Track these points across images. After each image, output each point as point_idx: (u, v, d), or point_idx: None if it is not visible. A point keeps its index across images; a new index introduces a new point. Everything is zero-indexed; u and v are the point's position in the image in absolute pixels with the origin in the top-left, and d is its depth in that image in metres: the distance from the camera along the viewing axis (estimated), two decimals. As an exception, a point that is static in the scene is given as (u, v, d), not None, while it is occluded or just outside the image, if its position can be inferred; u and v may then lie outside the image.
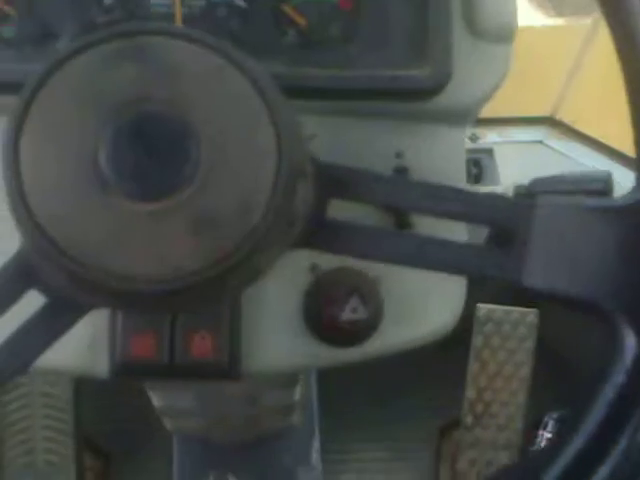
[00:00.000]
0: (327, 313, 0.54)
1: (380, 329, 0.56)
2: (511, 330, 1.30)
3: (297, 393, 0.98)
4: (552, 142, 1.27)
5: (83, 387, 1.32)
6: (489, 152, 1.23)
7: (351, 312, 0.54)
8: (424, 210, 0.45)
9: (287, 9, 0.52)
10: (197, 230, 0.38)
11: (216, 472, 1.32)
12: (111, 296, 0.41)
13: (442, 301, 0.59)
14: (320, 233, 0.44)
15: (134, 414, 1.51)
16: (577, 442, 0.41)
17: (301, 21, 0.52)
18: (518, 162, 1.24)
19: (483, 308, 1.29)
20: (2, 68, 0.48)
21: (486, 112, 0.60)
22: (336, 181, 0.44)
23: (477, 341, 1.32)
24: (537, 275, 0.42)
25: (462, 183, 0.58)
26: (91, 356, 0.55)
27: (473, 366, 1.32)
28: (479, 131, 1.24)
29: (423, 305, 0.58)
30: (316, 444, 1.38)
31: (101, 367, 0.55)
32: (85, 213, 0.38)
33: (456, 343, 1.42)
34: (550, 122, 1.30)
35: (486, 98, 0.56)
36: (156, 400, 0.90)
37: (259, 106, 0.39)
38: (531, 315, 1.29)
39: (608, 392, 0.41)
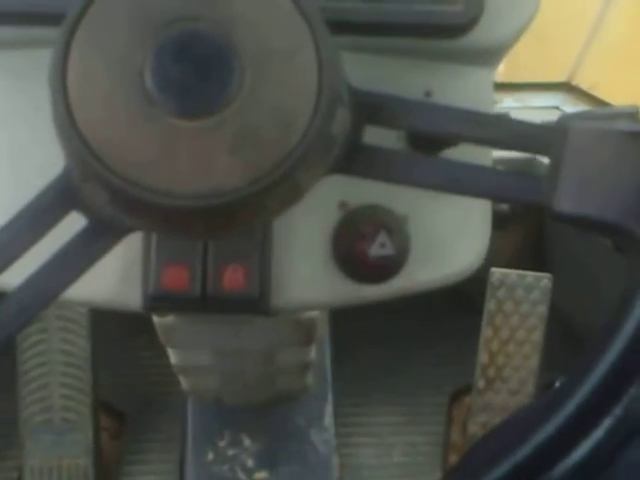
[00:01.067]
0: (356, 248, 0.55)
1: (406, 267, 0.57)
2: (524, 294, 1.31)
3: (312, 352, 0.99)
4: (569, 108, 1.28)
5: (100, 346, 1.33)
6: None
7: (379, 247, 0.55)
8: (461, 136, 0.46)
9: None
10: (238, 148, 0.39)
11: (230, 432, 1.33)
12: (150, 215, 0.42)
13: (468, 241, 0.60)
14: (357, 158, 0.45)
15: (149, 376, 1.53)
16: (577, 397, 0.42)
17: None
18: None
19: (496, 272, 1.30)
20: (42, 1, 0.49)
21: (503, 76, 0.61)
22: (373, 108, 0.45)
23: (490, 305, 1.32)
24: (568, 200, 0.43)
25: None
26: (123, 288, 0.56)
27: (486, 331, 1.33)
28: (496, 96, 1.24)
29: (449, 244, 0.59)
30: (329, 408, 1.39)
31: (134, 299, 0.56)
32: (130, 130, 0.39)
33: (469, 307, 1.44)
34: (567, 87, 1.30)
35: (517, 36, 0.57)
36: (174, 357, 0.91)
37: (303, 31, 0.40)
38: (545, 279, 1.30)
39: (628, 327, 0.42)
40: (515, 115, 1.21)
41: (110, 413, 1.44)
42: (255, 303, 0.55)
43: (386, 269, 0.56)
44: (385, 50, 0.56)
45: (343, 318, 1.19)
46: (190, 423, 1.33)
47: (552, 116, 1.28)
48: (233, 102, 0.39)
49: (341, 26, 0.42)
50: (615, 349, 0.42)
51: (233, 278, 0.54)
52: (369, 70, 0.53)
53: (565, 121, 0.44)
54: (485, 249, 0.61)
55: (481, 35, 0.53)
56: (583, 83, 1.29)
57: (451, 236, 0.59)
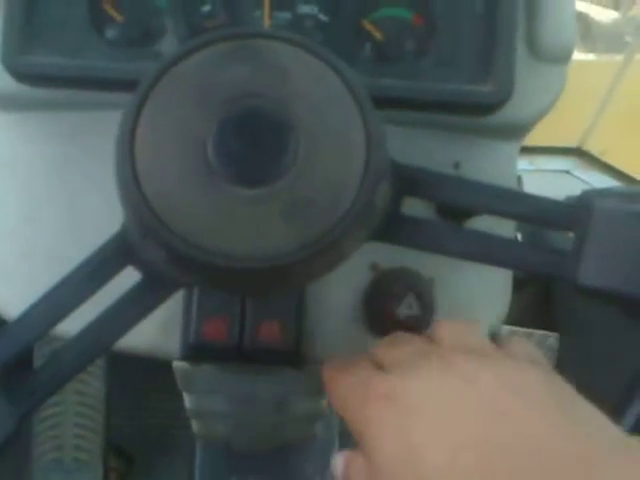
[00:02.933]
0: (385, 308, 0.58)
1: (431, 325, 0.60)
2: (531, 352, 1.33)
3: (324, 402, 1.01)
4: (579, 172, 1.31)
5: (113, 388, 1.35)
6: (518, 179, 1.27)
7: (407, 308, 0.58)
8: (490, 210, 0.49)
9: (366, 24, 0.56)
10: (291, 216, 0.42)
11: (237, 477, 1.34)
12: (206, 273, 0.44)
13: (490, 303, 0.63)
14: (395, 227, 0.48)
15: (158, 419, 1.54)
16: None
17: (378, 35, 0.56)
18: (545, 191, 1.27)
19: (505, 329, 1.32)
20: (109, 67, 0.53)
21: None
22: (412, 181, 0.48)
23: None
24: (592, 274, 0.46)
25: None
26: (163, 337, 0.59)
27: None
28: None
29: (472, 306, 0.62)
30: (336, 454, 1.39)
31: (173, 348, 0.59)
32: (190, 194, 0.42)
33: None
34: (578, 153, 1.33)
35: (541, 115, 0.60)
36: (189, 402, 0.92)
37: (353, 107, 0.43)
38: (551, 338, 1.32)
39: None
40: (527, 178, 1.25)
41: (119, 454, 1.45)
42: (289, 356, 0.58)
43: (412, 328, 0.59)
44: (418, 123, 0.60)
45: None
46: (198, 467, 1.34)
47: (564, 179, 1.31)
48: (287, 173, 0.42)
49: (380, 101, 0.45)
50: None
51: (269, 332, 0.57)
52: (402, 141, 0.57)
53: (588, 198, 0.47)
54: (505, 311, 0.64)
55: (509, 113, 0.56)
56: (594, 149, 1.33)
57: (474, 299, 0.62)
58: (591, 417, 0.41)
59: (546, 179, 1.32)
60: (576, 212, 0.47)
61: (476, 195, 0.49)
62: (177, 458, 1.48)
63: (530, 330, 1.33)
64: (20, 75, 0.53)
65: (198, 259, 0.42)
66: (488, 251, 0.48)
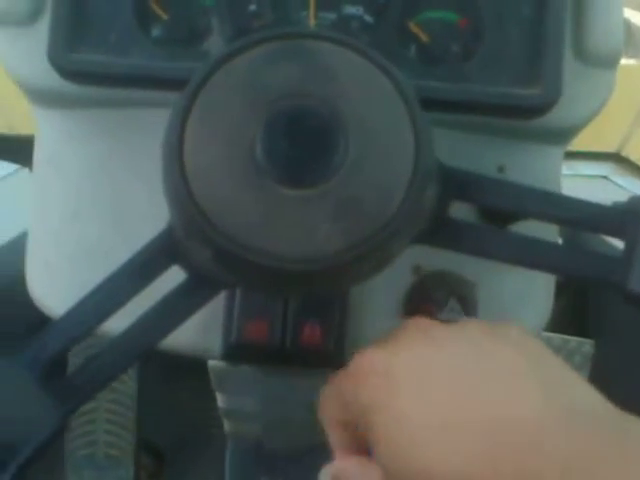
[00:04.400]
0: (427, 311, 0.58)
1: None
2: (567, 358, 1.32)
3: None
4: (617, 178, 1.29)
5: (145, 386, 1.35)
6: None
7: (449, 312, 0.58)
8: (539, 215, 0.49)
9: (412, 26, 0.56)
10: (339, 217, 0.42)
11: (267, 478, 1.34)
12: (252, 274, 0.44)
13: (532, 308, 0.62)
14: (441, 231, 0.47)
15: (189, 418, 1.54)
16: None
17: (424, 38, 0.56)
18: (583, 196, 1.26)
19: (541, 335, 1.31)
20: (155, 65, 0.53)
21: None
22: (459, 183, 0.47)
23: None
24: None
25: None
26: (204, 337, 0.59)
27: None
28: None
29: (514, 310, 0.62)
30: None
31: (214, 348, 0.59)
32: (238, 194, 0.42)
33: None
34: (616, 158, 1.32)
35: (588, 120, 0.60)
36: (221, 401, 0.92)
37: (402, 108, 0.43)
38: (587, 345, 1.31)
39: None
40: (565, 183, 1.25)
41: (150, 452, 1.46)
42: (330, 359, 0.58)
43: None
44: (462, 126, 0.59)
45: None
46: (228, 466, 1.34)
47: (601, 184, 1.30)
48: (336, 174, 0.42)
49: (428, 103, 0.45)
50: None
51: (311, 334, 0.57)
52: (447, 144, 0.56)
53: (636, 203, 0.46)
54: (548, 316, 0.64)
55: (556, 117, 0.56)
56: (632, 154, 1.31)
57: (516, 303, 0.62)
58: (571, 381, 0.42)
59: (584, 184, 1.30)
60: (626, 218, 0.47)
61: (525, 199, 0.48)
62: (207, 457, 1.48)
63: (566, 337, 1.32)
64: (66, 73, 0.53)
65: (245, 259, 0.42)
66: (536, 256, 0.48)
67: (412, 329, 0.45)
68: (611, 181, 1.30)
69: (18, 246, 0.81)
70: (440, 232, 0.48)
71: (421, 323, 0.46)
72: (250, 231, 0.42)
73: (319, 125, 0.42)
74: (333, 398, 0.47)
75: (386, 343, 0.45)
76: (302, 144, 0.42)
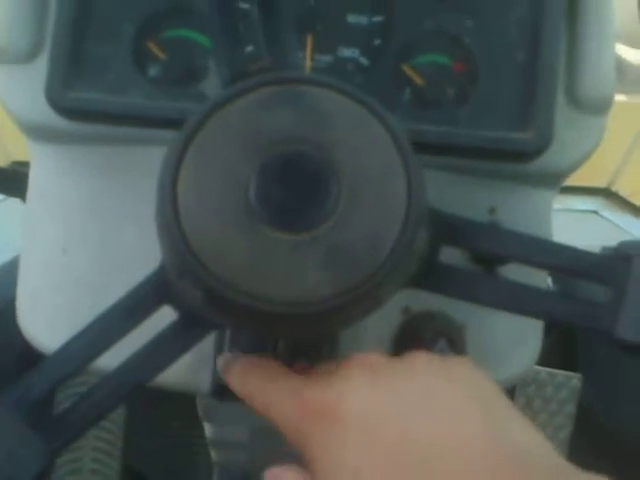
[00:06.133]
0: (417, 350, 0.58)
1: None
2: (553, 393, 1.32)
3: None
4: (607, 213, 1.30)
5: (133, 412, 1.35)
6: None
7: (439, 352, 0.58)
8: (528, 261, 0.49)
9: (407, 69, 0.56)
10: (329, 262, 0.42)
11: (254, 507, 1.33)
12: (242, 316, 0.45)
13: (521, 348, 0.63)
14: (432, 275, 0.48)
15: (175, 445, 1.53)
16: None
17: (418, 81, 0.56)
18: (572, 230, 1.27)
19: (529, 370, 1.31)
20: (151, 105, 0.53)
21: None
22: (451, 229, 0.48)
23: (519, 402, 1.33)
24: (631, 328, 0.46)
25: None
26: (194, 375, 0.59)
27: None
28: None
29: (503, 352, 0.62)
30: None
31: (203, 386, 0.59)
32: (230, 237, 0.42)
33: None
34: (606, 193, 1.33)
35: (579, 164, 0.60)
36: (209, 431, 0.92)
37: (395, 155, 0.43)
38: (574, 379, 1.31)
39: None
40: (554, 217, 1.25)
41: (135, 478, 1.45)
42: None
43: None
44: (454, 168, 0.60)
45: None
46: (215, 495, 1.33)
47: (591, 219, 1.31)
48: (327, 220, 0.42)
49: (422, 147, 0.45)
50: None
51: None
52: (438, 186, 0.57)
53: (625, 249, 0.46)
54: (537, 355, 0.64)
55: (547, 161, 0.56)
56: (622, 190, 1.32)
57: (506, 344, 0.62)
58: (516, 428, 0.42)
59: (574, 219, 1.31)
60: (614, 265, 0.47)
61: (516, 246, 0.48)
62: (194, 485, 1.47)
63: (554, 370, 1.32)
64: (63, 110, 0.54)
65: (235, 301, 0.42)
66: (525, 303, 0.48)
67: (359, 366, 0.45)
68: (601, 216, 1.31)
69: (4, 273, 0.81)
70: (430, 277, 0.48)
71: (367, 359, 0.45)
72: (240, 273, 0.42)
73: (313, 171, 0.43)
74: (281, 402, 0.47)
75: (334, 379, 0.45)
76: (295, 189, 0.42)
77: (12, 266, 0.62)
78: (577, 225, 1.31)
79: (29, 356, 0.61)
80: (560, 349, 1.35)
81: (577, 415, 1.33)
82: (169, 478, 1.50)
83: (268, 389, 0.48)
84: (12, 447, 0.44)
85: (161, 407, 1.51)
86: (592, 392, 1.33)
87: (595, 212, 1.31)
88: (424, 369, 0.44)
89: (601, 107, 0.59)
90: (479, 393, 0.43)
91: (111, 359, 0.47)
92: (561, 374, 1.31)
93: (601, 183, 1.33)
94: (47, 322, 0.60)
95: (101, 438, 1.31)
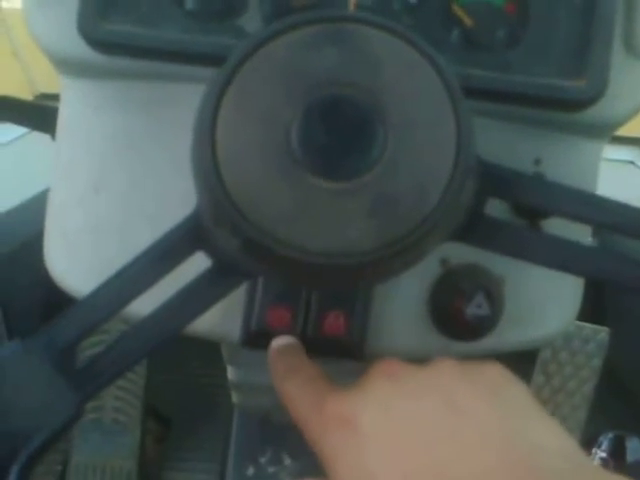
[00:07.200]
0: (452, 306, 0.56)
1: (498, 327, 0.57)
2: (580, 346, 1.31)
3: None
4: (644, 163, 1.27)
5: (156, 353, 1.35)
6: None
7: (476, 307, 0.56)
8: (578, 217, 0.47)
9: (456, 9, 0.53)
10: (375, 212, 0.40)
11: (272, 449, 1.34)
12: (280, 266, 0.43)
13: (559, 305, 0.61)
14: (477, 229, 0.46)
15: (197, 385, 1.54)
16: None
17: (468, 22, 0.53)
18: (608, 181, 1.24)
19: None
20: (187, 39, 0.51)
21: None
22: (498, 180, 0.46)
23: (545, 354, 1.32)
24: None
25: None
26: (224, 322, 0.58)
27: (537, 378, 1.33)
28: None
29: (542, 308, 0.60)
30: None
31: (233, 334, 0.58)
32: (271, 183, 0.40)
33: (522, 354, 1.44)
34: (644, 143, 1.30)
35: (632, 115, 0.58)
36: (231, 374, 0.92)
37: (445, 101, 0.41)
38: (602, 333, 1.30)
39: None
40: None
41: (157, 417, 1.46)
42: (352, 349, 0.56)
43: (479, 329, 0.57)
44: (501, 115, 0.57)
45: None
46: (234, 436, 1.34)
47: (627, 170, 1.27)
48: (374, 168, 0.40)
49: (470, 92, 0.43)
50: None
51: (334, 324, 0.55)
52: (483, 133, 0.54)
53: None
54: (575, 315, 0.62)
55: (599, 111, 0.54)
56: (661, 140, 1.29)
57: (544, 300, 0.60)
58: (538, 432, 0.40)
59: (609, 169, 1.28)
60: None
61: (561, 200, 0.46)
62: (214, 425, 1.48)
63: (581, 323, 1.31)
64: (95, 43, 0.51)
65: (273, 251, 0.40)
66: (571, 261, 0.46)
67: (381, 376, 0.44)
68: (638, 167, 1.28)
69: (28, 210, 0.80)
70: (475, 230, 0.46)
71: (389, 369, 0.45)
72: (280, 222, 0.40)
73: (359, 116, 0.41)
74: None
75: (356, 390, 0.44)
76: (340, 134, 0.40)
77: (36, 202, 0.60)
78: (612, 176, 1.28)
79: (55, 296, 0.60)
80: (589, 302, 1.34)
81: (603, 369, 1.32)
82: (190, 418, 1.51)
83: (297, 388, 0.48)
84: (41, 394, 0.43)
85: (183, 347, 1.52)
86: (620, 347, 1.31)
87: (632, 162, 1.28)
88: (447, 375, 0.43)
89: None
90: (504, 396, 0.42)
91: (142, 306, 0.45)
92: (589, 327, 1.30)
93: (638, 133, 1.30)
94: (76, 262, 0.58)
95: (124, 376, 1.31)
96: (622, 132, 1.24)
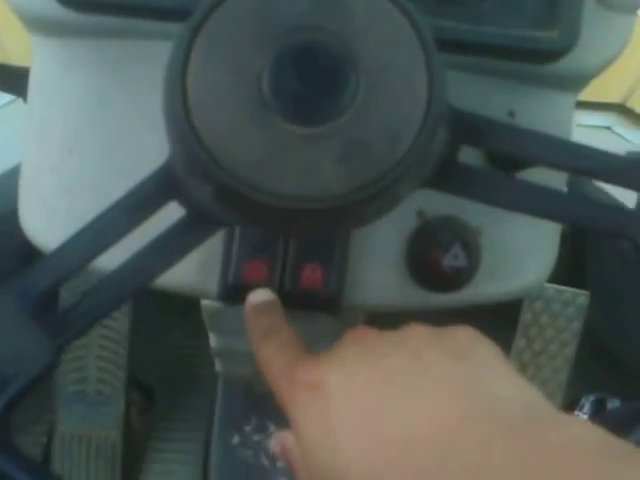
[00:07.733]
0: (429, 257, 0.57)
1: (475, 278, 0.58)
2: (561, 309, 1.32)
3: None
4: (620, 129, 1.28)
5: (138, 323, 1.35)
6: (556, 133, 1.25)
7: (453, 259, 0.56)
8: (554, 163, 0.47)
9: None
10: (346, 157, 0.40)
11: (256, 417, 1.35)
12: (253, 212, 0.43)
13: (536, 257, 0.61)
14: (450, 175, 0.46)
15: (180, 355, 1.55)
16: None
17: None
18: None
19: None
20: None
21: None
22: (471, 128, 0.46)
23: (526, 317, 1.34)
24: None
25: None
26: (201, 277, 0.58)
27: (519, 341, 1.35)
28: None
29: (518, 259, 0.61)
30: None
31: (210, 289, 0.58)
32: (242, 129, 0.40)
33: (503, 318, 1.45)
34: (621, 109, 1.30)
35: (604, 67, 0.58)
36: (214, 341, 0.92)
37: (417, 49, 0.41)
38: (582, 296, 1.31)
39: None
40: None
41: (140, 388, 1.46)
42: (329, 302, 0.57)
43: (456, 280, 0.57)
44: (473, 68, 0.57)
45: (375, 322, 1.20)
46: (219, 405, 1.35)
47: (604, 136, 1.28)
48: (345, 113, 0.40)
49: (443, 44, 0.43)
50: None
51: (311, 276, 0.55)
52: (456, 86, 0.54)
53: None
54: (551, 266, 0.62)
55: (571, 62, 0.54)
56: (638, 106, 1.29)
57: (521, 251, 0.61)
58: (502, 386, 0.41)
59: (586, 135, 1.29)
60: (637, 168, 0.45)
61: (536, 146, 0.46)
62: (198, 395, 1.49)
63: (561, 287, 1.32)
64: (65, 0, 0.51)
65: (246, 196, 0.40)
66: (546, 205, 0.47)
67: (351, 342, 0.45)
68: (614, 132, 1.28)
69: (12, 179, 0.79)
70: (449, 177, 0.46)
71: (360, 335, 0.45)
72: (252, 168, 0.40)
73: (330, 61, 0.41)
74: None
75: (325, 356, 0.45)
76: (311, 80, 0.40)
77: (13, 176, 0.60)
78: (589, 141, 1.28)
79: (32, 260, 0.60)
80: (569, 266, 1.35)
81: (583, 332, 1.33)
82: (173, 389, 1.51)
83: (271, 352, 0.48)
84: (17, 340, 0.43)
85: (166, 317, 1.52)
86: (599, 310, 1.33)
87: (609, 128, 1.28)
88: (416, 338, 0.43)
89: (629, 5, 0.56)
90: (471, 354, 0.42)
91: (114, 258, 0.45)
92: (569, 291, 1.31)
93: (615, 99, 1.30)
94: (52, 223, 0.58)
95: (106, 347, 1.32)
96: (599, 98, 1.25)
